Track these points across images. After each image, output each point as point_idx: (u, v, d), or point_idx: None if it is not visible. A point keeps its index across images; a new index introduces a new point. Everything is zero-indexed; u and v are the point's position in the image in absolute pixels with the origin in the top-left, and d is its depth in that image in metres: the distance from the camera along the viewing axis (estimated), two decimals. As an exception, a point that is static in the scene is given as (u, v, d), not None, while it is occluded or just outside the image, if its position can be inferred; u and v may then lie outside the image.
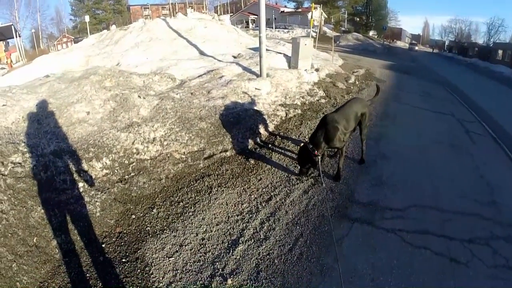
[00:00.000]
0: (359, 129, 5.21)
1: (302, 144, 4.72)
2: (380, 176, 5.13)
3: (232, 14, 49.99)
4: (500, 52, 35.55)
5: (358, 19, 58.52)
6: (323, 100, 8.40)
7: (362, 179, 5.03)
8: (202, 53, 11.78)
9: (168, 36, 12.98)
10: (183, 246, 3.73)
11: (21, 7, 49.98)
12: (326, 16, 44.44)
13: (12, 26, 21.01)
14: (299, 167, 4.87)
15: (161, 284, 3.28)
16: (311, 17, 18.92)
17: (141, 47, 12.13)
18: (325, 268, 3.36)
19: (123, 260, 3.62)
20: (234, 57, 11.42)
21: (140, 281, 3.33)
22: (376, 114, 7.95)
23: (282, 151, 5.80)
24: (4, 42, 30.43)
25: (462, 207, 4.49)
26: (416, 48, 50.70)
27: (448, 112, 9.28)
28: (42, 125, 5.88)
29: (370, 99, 6.02)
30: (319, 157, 4.45)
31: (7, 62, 18.18)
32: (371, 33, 57.85)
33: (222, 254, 3.61)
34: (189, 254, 3.62)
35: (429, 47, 63.32)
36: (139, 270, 3.46)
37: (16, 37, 22.03)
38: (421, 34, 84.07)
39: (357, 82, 11.21)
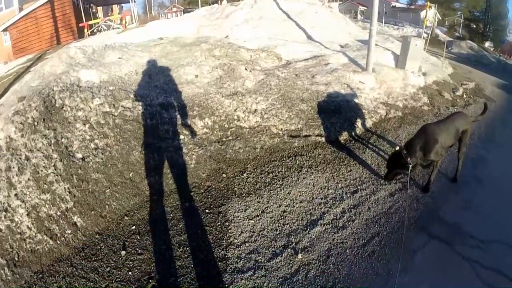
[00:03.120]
0: (458, 146, 4.87)
1: (397, 147, 4.55)
2: (470, 200, 4.69)
3: (341, 2, 48.76)
4: None
5: (474, 26, 52.87)
6: (426, 107, 7.94)
7: (451, 199, 4.68)
8: (309, 37, 11.75)
9: (278, 16, 13.13)
10: (265, 213, 3.93)
11: (137, -24, 54.05)
12: (440, 18, 41.25)
13: (129, -8, 22.83)
14: (386, 170, 4.74)
15: (236, 240, 3.53)
16: (425, 16, 17.78)
17: (250, 24, 12.44)
18: (392, 273, 3.26)
19: (207, 210, 3.95)
20: (341, 46, 11.21)
21: (217, 233, 3.62)
22: (479, 134, 7.26)
23: (376, 149, 5.65)
24: (119, 6, 33.43)
25: None
26: None
27: None
28: (153, 80, 6.47)
29: (475, 116, 5.55)
30: (411, 166, 4.26)
31: (122, 22, 19.88)
32: (486, 44, 51.85)
33: (299, 230, 3.73)
34: (268, 221, 3.81)
35: None
36: (219, 223, 3.75)
37: (132, 1, 23.90)
38: (543, 55, 73.91)
39: (464, 96, 10.34)
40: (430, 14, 16.80)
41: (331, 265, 3.32)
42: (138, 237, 3.55)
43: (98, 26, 18.37)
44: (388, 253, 3.54)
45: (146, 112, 5.36)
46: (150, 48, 8.49)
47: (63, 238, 3.52)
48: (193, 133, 5.27)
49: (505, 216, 4.45)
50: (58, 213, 3.73)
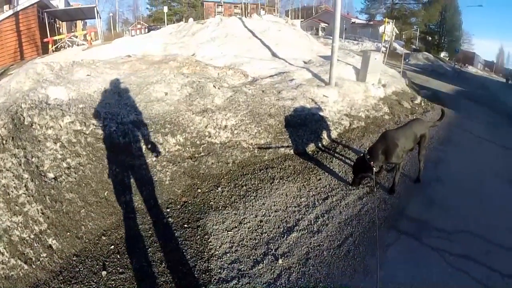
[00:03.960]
0: (418, 149, 5.27)
1: (361, 154, 4.89)
2: (433, 198, 5.10)
3: (302, 19, 50.24)
4: None
5: (430, 38, 55.97)
6: (387, 116, 8.40)
7: (415, 197, 5.05)
8: (274, 54, 12.13)
9: (243, 34, 13.46)
10: (242, 224, 4.07)
11: (102, -9, 53.76)
12: (398, 32, 43.33)
13: (95, 8, 22.68)
14: (352, 176, 5.03)
15: (217, 252, 3.62)
16: (383, 32, 18.72)
17: (217, 42, 12.69)
18: (368, 268, 3.52)
19: (185, 225, 4.02)
20: (305, 62, 11.65)
21: (198, 246, 3.70)
22: (438, 138, 7.79)
23: (343, 158, 5.96)
24: (82, 22, 33.04)
25: (510, 242, 4.32)
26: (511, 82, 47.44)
27: (512, 147, 8.81)
28: (123, 97, 6.49)
29: (433, 122, 6.00)
30: (374, 169, 4.58)
31: (86, 39, 19.72)
32: (442, 54, 55.00)
33: (276, 237, 3.89)
34: (246, 232, 3.94)
35: (503, 77, 59.11)
36: (198, 237, 3.83)
37: (97, 18, 23.70)
38: (495, 62, 78.63)
39: (422, 104, 10.99)
40: (388, 29, 17.66)
41: (311, 267, 3.50)
42: (118, 256, 3.55)
43: (63, 42, 18.06)
44: (362, 251, 3.78)
45: (118, 130, 5.38)
46: (118, 66, 8.52)
47: (39, 262, 3.43)
48: (165, 150, 5.34)
49: (467, 209, 4.91)
50: (32, 236, 3.64)
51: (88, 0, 49.40)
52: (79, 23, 33.06)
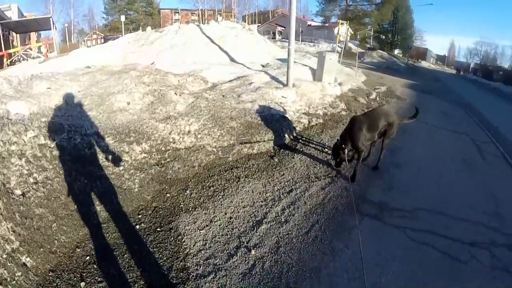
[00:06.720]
0: (383, 138, 5.66)
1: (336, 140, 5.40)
2: (391, 182, 5.58)
3: (259, 24, 50.95)
4: (525, 77, 34.20)
5: (384, 37, 58.54)
6: (344, 112, 8.86)
7: (375, 183, 5.49)
8: (233, 60, 12.42)
9: (201, 41, 13.66)
10: (213, 222, 4.27)
11: (56, 2, 52.46)
12: (352, 33, 44.79)
13: (51, 19, 21.95)
14: (333, 160, 5.62)
15: (192, 251, 3.78)
16: (337, 33, 19.38)
17: (175, 49, 12.80)
18: (336, 250, 3.86)
19: (158, 229, 4.15)
20: (263, 66, 12.01)
21: (173, 247, 3.84)
22: (395, 129, 8.37)
23: (303, 153, 6.32)
24: (37, 34, 31.77)
25: (467, 214, 4.82)
26: (461, 72, 51.23)
27: (464, 132, 9.48)
28: (85, 109, 6.50)
29: (406, 118, 6.30)
30: (346, 151, 5.14)
31: (42, 51, 19.07)
32: (396, 51, 57.75)
33: (247, 231, 4.13)
34: (218, 229, 4.15)
35: (454, 69, 62.91)
36: (172, 238, 3.98)
37: (53, 29, 22.90)
38: (446, 55, 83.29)
39: (378, 99, 11.63)
40: (343, 30, 18.31)
41: (282, 254, 3.75)
42: (95, 266, 3.58)
43: (18, 56, 17.39)
44: (329, 235, 4.11)
45: (83, 142, 5.39)
46: (78, 77, 8.45)
47: (14, 281, 3.34)
48: (132, 158, 5.44)
49: (424, 189, 5.47)
50: (4, 256, 3.51)
51: (42, 11, 48.06)
52: (33, 35, 31.80)
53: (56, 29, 24.54)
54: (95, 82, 8.20)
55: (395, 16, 55.30)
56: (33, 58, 16.74)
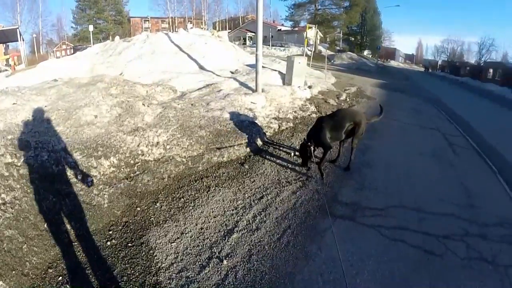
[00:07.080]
0: (352, 138, 5.78)
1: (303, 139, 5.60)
2: (363, 181, 5.71)
3: (230, 30, 51.01)
4: (490, 71, 35.76)
5: (353, 38, 60.05)
6: (314, 115, 9.00)
7: (346, 184, 5.60)
8: (202, 67, 12.43)
9: (170, 50, 13.61)
10: (184, 234, 4.24)
11: (24, 11, 50.84)
12: (322, 36, 45.56)
13: (18, 30, 21.29)
14: (300, 160, 5.83)
15: (164, 264, 3.75)
16: (306, 36, 19.65)
17: (144, 59, 12.72)
18: (309, 254, 3.90)
19: (129, 244, 4.09)
20: (232, 72, 12.07)
21: (144, 262, 3.79)
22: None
23: (274, 158, 6.39)
24: (4, 45, 30.67)
25: (440, 208, 4.99)
26: (430, 70, 53.38)
27: (434, 127, 9.82)
28: (52, 124, 6.36)
29: (372, 117, 6.52)
30: (311, 149, 5.37)
31: (11, 64, 18.52)
32: (365, 52, 59.46)
33: (218, 241, 4.12)
34: (189, 240, 4.12)
35: (422, 67, 65.19)
36: (144, 253, 3.93)
37: (20, 40, 22.22)
38: (414, 54, 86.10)
39: (347, 99, 11.89)
40: (311, 34, 18.61)
41: (255, 263, 3.76)
42: (68, 286, 3.52)
43: (-16, 69, 16.84)
44: (302, 239, 4.15)
45: (50, 159, 5.27)
46: (45, 91, 8.24)
47: None
48: (100, 173, 5.36)
49: (396, 187, 5.62)
50: None
51: (9, 21, 46.41)
52: (1, 47, 30.71)
53: (23, 40, 23.78)
54: (62, 96, 8.03)
55: (363, 18, 57.00)
56: (0, 71, 16.19)
